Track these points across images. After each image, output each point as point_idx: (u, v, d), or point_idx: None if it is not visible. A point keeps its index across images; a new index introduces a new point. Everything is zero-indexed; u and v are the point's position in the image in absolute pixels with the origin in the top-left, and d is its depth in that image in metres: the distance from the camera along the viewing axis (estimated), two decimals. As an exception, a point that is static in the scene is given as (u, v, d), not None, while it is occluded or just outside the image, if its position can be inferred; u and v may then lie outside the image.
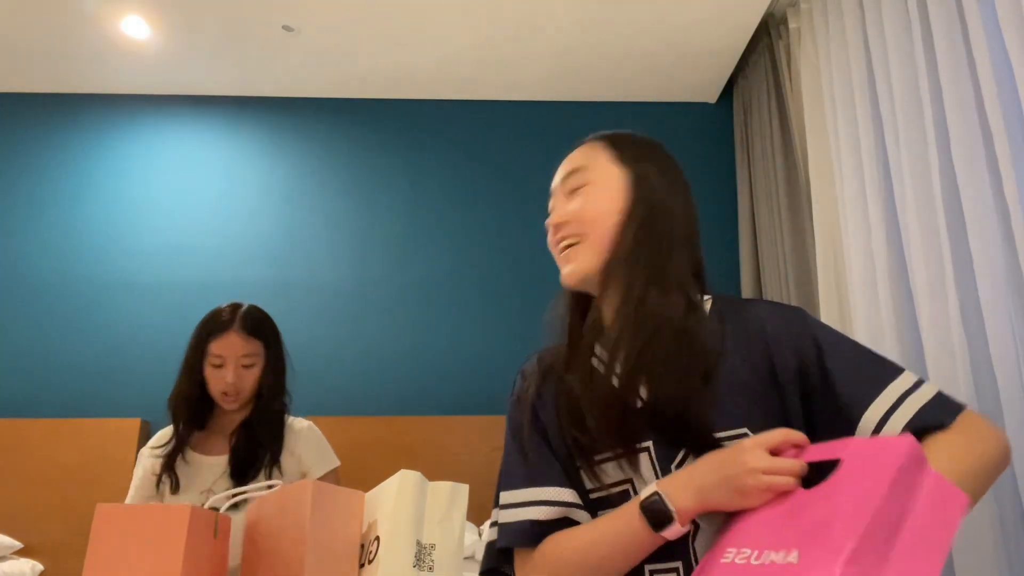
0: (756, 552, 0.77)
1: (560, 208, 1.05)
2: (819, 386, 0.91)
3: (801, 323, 0.97)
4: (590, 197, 1.02)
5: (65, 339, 3.12)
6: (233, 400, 1.84)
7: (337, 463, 1.94)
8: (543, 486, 0.96)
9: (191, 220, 3.30)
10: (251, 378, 1.84)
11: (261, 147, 3.42)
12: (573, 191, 1.04)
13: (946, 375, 1.85)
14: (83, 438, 2.91)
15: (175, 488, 1.80)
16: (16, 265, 3.21)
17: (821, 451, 0.81)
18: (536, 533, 0.94)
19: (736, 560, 0.78)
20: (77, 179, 3.32)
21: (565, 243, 1.03)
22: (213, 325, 1.86)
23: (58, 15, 2.89)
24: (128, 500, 1.89)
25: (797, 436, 0.82)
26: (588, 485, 0.96)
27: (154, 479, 1.84)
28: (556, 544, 0.93)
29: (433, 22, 2.95)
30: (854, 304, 2.30)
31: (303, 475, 1.86)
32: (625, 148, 1.05)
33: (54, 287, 3.18)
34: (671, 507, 0.84)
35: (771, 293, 2.94)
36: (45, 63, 3.20)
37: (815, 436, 0.85)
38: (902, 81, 2.15)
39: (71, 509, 2.78)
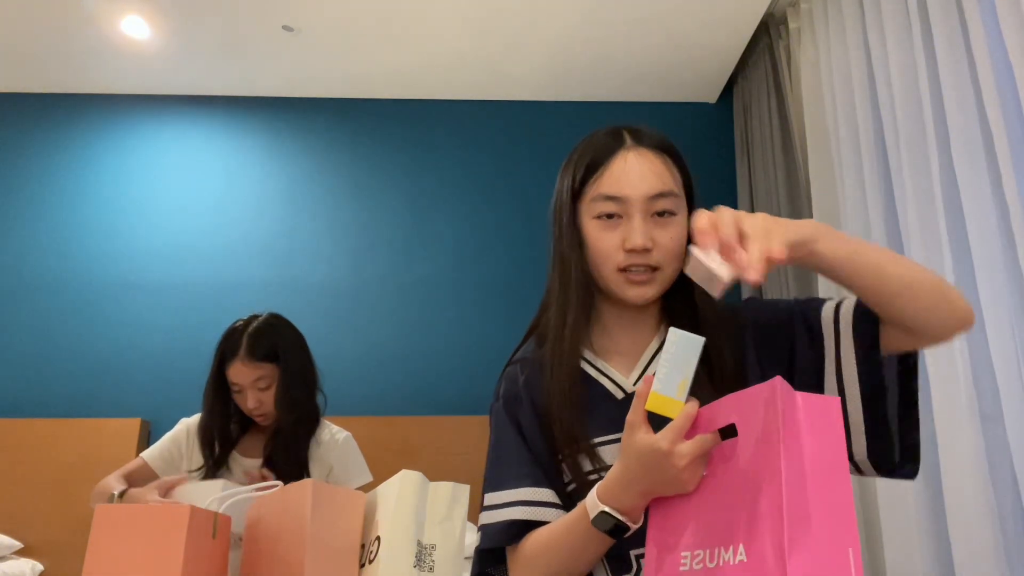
0: (708, 552, 0.79)
1: (646, 230, 1.00)
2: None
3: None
4: (679, 231, 1.02)
5: (65, 339, 3.12)
6: (262, 419, 1.86)
7: (369, 478, 1.91)
8: (522, 487, 1.01)
9: (191, 220, 3.30)
10: (271, 397, 1.83)
11: (261, 147, 3.42)
12: (661, 216, 1.02)
13: (946, 375, 1.85)
14: (83, 438, 2.91)
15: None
16: (16, 265, 3.21)
17: (713, 417, 0.83)
18: (516, 533, 1.00)
19: (694, 566, 0.80)
20: (77, 179, 3.32)
21: (645, 268, 1.01)
22: (224, 352, 1.83)
23: (58, 15, 2.89)
24: (149, 455, 1.88)
25: (691, 412, 0.84)
26: (578, 471, 1.01)
27: (173, 462, 1.86)
28: (531, 543, 0.99)
29: (433, 22, 2.95)
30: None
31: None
32: (687, 178, 1.07)
33: (54, 287, 3.18)
34: (622, 518, 0.88)
35: (771, 292, 2.94)
36: (45, 63, 3.20)
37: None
38: (902, 81, 2.15)
39: (71, 509, 2.78)
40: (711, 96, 3.51)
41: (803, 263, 0.89)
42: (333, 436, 1.94)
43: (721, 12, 2.90)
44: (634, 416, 0.85)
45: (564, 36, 3.04)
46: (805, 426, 0.75)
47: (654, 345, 1.08)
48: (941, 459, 1.84)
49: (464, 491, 1.12)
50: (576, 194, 1.05)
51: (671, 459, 0.82)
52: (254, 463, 1.85)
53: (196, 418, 1.93)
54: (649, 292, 1.02)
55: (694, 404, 0.84)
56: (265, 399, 1.82)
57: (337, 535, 1.04)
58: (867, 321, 0.97)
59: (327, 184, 3.39)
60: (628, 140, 1.05)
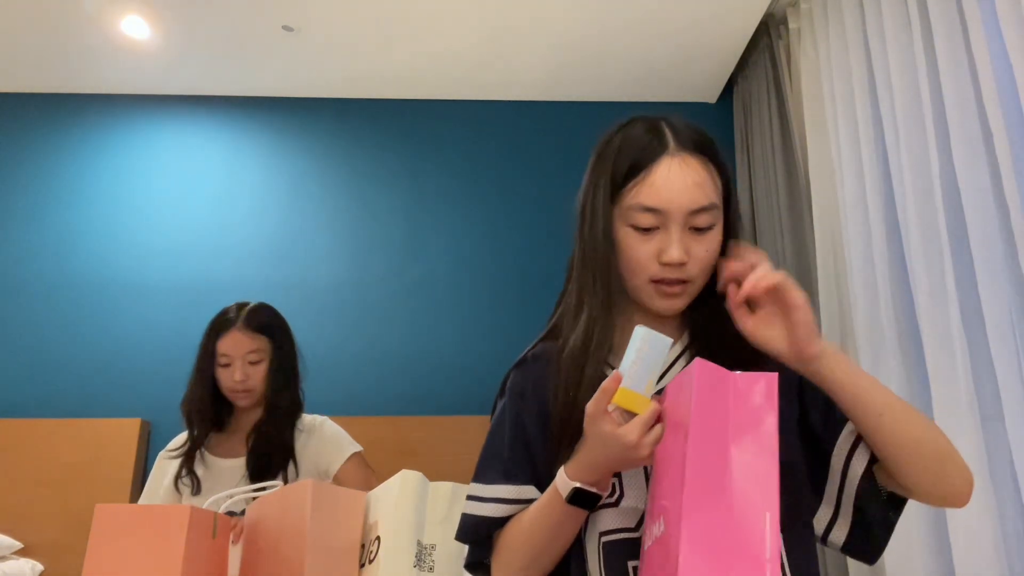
0: (647, 530, 0.87)
1: (683, 243, 0.98)
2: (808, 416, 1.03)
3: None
4: (715, 243, 1.01)
5: (65, 339, 3.12)
6: (244, 396, 1.84)
7: (358, 448, 1.94)
8: (510, 484, 1.03)
9: (191, 220, 3.30)
10: (260, 374, 1.84)
11: (261, 147, 3.42)
12: (700, 230, 0.99)
13: (946, 375, 1.85)
14: (83, 438, 2.90)
15: (196, 490, 1.80)
16: (16, 265, 3.21)
17: (661, 403, 0.90)
18: (487, 528, 1.02)
19: (647, 544, 0.87)
20: (77, 179, 3.32)
21: (678, 281, 1.00)
22: (219, 325, 1.86)
23: (58, 15, 2.88)
24: (140, 502, 1.89)
25: (657, 409, 0.89)
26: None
27: (167, 484, 1.84)
28: (506, 531, 1.02)
29: (433, 22, 2.95)
30: (854, 304, 2.30)
31: (325, 471, 1.86)
32: (728, 179, 1.05)
33: (54, 287, 3.18)
34: (593, 490, 0.93)
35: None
36: (45, 63, 3.19)
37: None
38: (902, 81, 2.15)
39: (71, 509, 2.78)
40: (711, 96, 3.51)
41: (810, 369, 0.92)
42: (310, 423, 1.94)
43: (721, 12, 2.90)
44: (596, 407, 0.89)
45: (564, 36, 3.04)
46: (735, 403, 0.79)
47: (677, 348, 1.07)
48: (941, 459, 1.84)
49: (464, 491, 1.12)
50: (614, 193, 1.01)
51: (637, 450, 0.87)
52: (233, 463, 1.84)
53: (165, 452, 1.92)
54: (679, 304, 1.02)
55: (657, 402, 0.89)
56: (253, 374, 1.83)
57: (337, 535, 1.04)
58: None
59: (327, 184, 3.39)
60: (671, 143, 1.00)
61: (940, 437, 0.95)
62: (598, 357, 1.01)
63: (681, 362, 1.06)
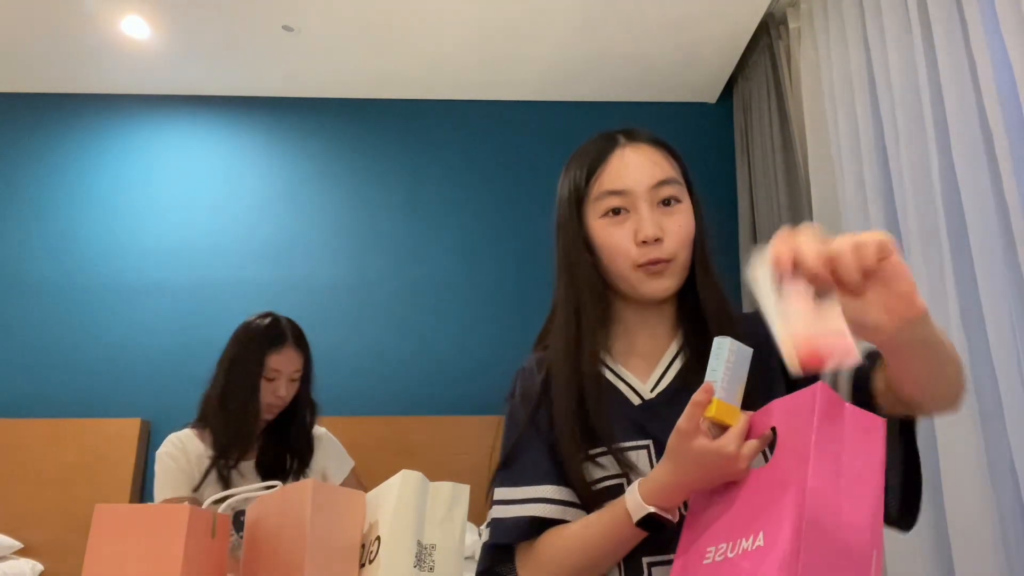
0: (731, 544, 0.81)
1: (654, 219, 1.00)
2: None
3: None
4: (687, 218, 1.03)
5: (65, 339, 3.12)
6: (277, 410, 1.86)
7: (352, 463, 2.00)
8: (543, 484, 1.00)
9: (191, 220, 3.30)
10: (295, 389, 1.87)
11: (261, 147, 3.42)
12: (667, 205, 1.02)
13: (946, 375, 1.85)
14: (83, 438, 2.91)
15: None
16: (16, 265, 3.21)
17: (759, 422, 0.86)
18: (535, 530, 0.99)
19: (716, 558, 0.82)
20: (77, 179, 3.32)
21: (658, 259, 1.00)
22: (270, 339, 1.84)
23: (58, 15, 2.89)
24: (175, 492, 1.87)
25: (748, 418, 0.86)
26: (589, 477, 1.00)
27: (189, 481, 1.83)
28: (551, 542, 0.98)
29: (432, 22, 2.96)
30: (854, 304, 2.30)
31: (324, 480, 1.88)
32: (686, 169, 1.08)
33: (54, 287, 3.18)
34: (666, 515, 0.89)
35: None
36: (45, 63, 3.20)
37: None
38: (902, 81, 2.15)
39: (71, 509, 2.78)
40: (711, 96, 3.51)
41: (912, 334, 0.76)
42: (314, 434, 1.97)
43: (721, 12, 2.90)
44: (690, 424, 0.85)
45: (564, 36, 3.04)
46: (848, 438, 0.76)
47: (673, 349, 1.07)
48: (941, 459, 1.84)
49: (464, 491, 1.12)
50: (579, 198, 1.05)
51: (736, 462, 0.84)
52: (245, 466, 1.84)
53: (170, 445, 1.90)
54: (668, 284, 1.02)
55: (748, 412, 0.86)
56: (292, 389, 1.86)
57: (337, 535, 1.03)
58: (863, 389, 0.93)
59: (327, 184, 3.39)
60: (622, 139, 1.06)
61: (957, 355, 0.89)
62: (592, 360, 1.02)
63: (678, 363, 1.06)
